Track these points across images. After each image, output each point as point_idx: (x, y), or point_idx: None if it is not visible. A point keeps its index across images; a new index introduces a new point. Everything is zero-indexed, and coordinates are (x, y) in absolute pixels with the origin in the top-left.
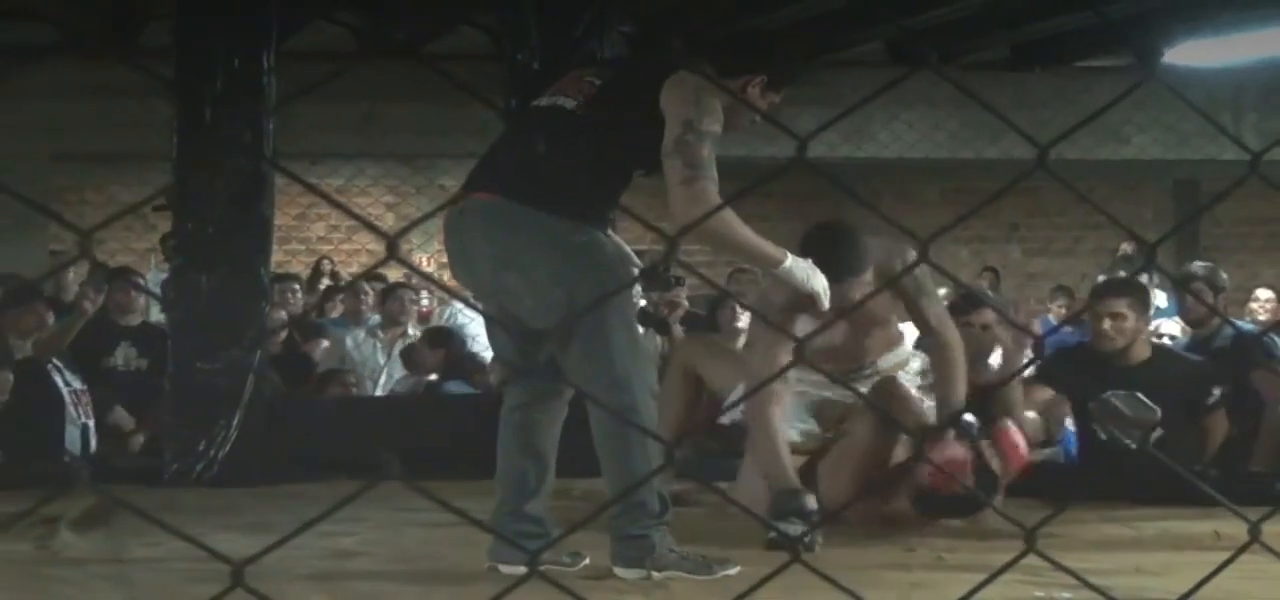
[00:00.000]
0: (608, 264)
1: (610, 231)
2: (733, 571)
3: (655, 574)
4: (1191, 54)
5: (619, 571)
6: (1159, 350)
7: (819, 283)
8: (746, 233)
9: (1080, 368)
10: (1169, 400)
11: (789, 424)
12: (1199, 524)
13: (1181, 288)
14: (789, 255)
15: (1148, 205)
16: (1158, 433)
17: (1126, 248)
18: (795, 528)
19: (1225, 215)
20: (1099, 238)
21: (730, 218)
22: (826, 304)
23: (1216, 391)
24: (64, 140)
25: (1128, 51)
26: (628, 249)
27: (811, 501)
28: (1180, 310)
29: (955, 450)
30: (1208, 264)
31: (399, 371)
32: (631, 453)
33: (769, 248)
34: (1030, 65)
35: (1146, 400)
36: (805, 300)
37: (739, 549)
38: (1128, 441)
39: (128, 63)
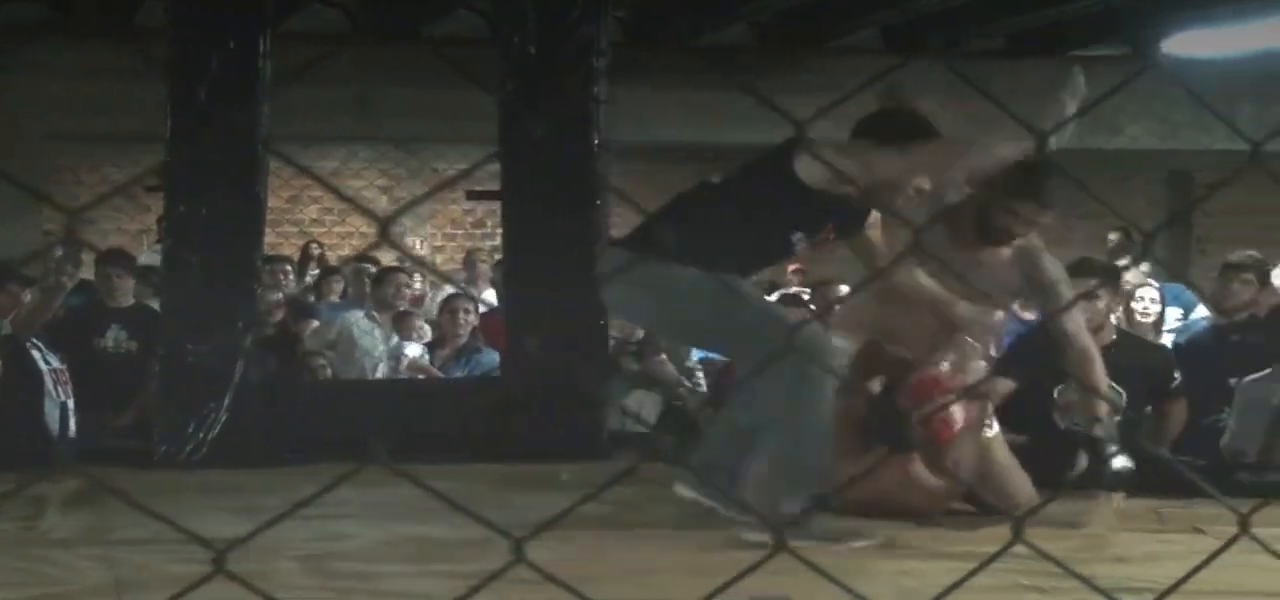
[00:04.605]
0: None
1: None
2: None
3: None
4: (1187, 45)
5: None
6: (1123, 336)
7: None
8: None
9: (1042, 354)
10: (1132, 386)
11: None
12: (1180, 512)
13: (1223, 276)
14: None
15: (1140, 196)
16: (1117, 419)
17: (1114, 237)
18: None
19: (1216, 206)
20: (1090, 228)
21: None
22: None
23: (1177, 377)
24: (58, 120)
25: (1123, 42)
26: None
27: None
28: (1217, 298)
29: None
30: (1253, 253)
31: (399, 355)
32: None
33: None
34: (1026, 55)
35: (1113, 384)
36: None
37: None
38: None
39: (123, 43)
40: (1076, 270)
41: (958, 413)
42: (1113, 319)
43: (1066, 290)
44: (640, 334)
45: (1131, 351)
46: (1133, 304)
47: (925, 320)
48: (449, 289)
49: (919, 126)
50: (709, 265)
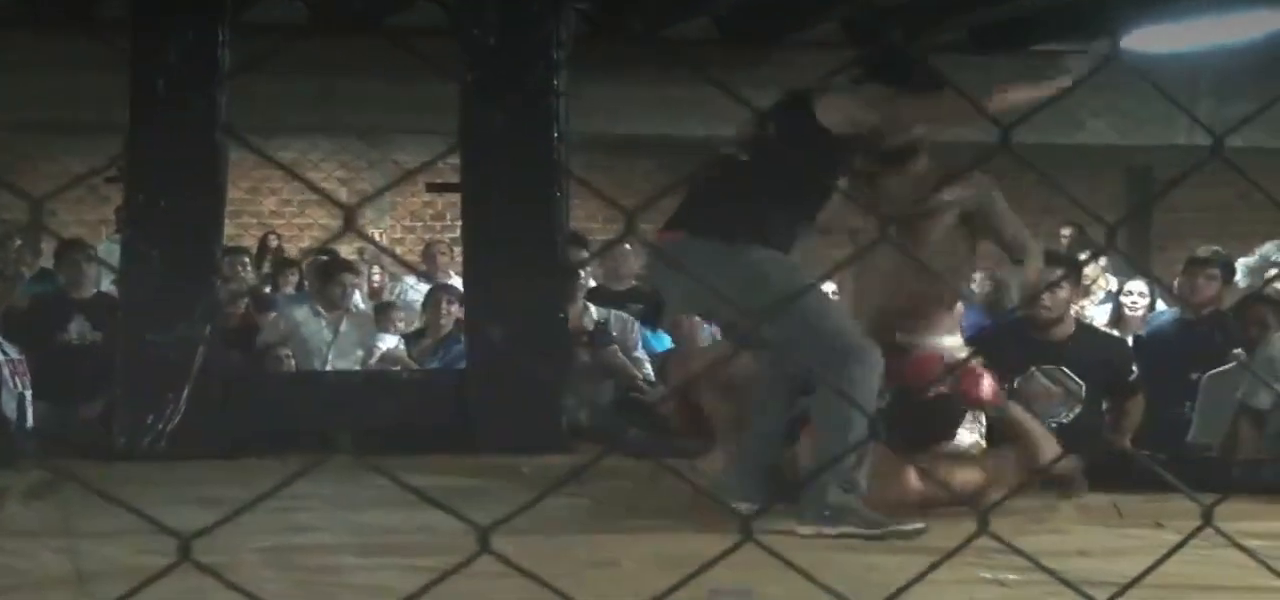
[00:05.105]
0: None
1: None
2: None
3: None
4: (1147, 40)
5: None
6: (1083, 328)
7: None
8: None
9: (1005, 342)
10: (1092, 377)
11: None
12: (1140, 506)
13: (1188, 271)
14: None
15: (1100, 191)
16: (1077, 410)
17: (1067, 231)
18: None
19: (1177, 201)
20: (1051, 223)
21: None
22: None
23: (1135, 371)
24: (17, 110)
25: (1085, 36)
26: None
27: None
28: (1183, 293)
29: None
30: (1218, 249)
31: (345, 347)
32: None
33: None
34: (989, 49)
35: (1073, 375)
36: None
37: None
38: (1051, 420)
39: (83, 33)
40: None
41: (986, 378)
42: (1073, 311)
43: (1016, 220)
44: (590, 325)
45: (1090, 344)
46: (1121, 298)
47: (922, 292)
48: (410, 280)
49: (927, 74)
50: (761, 234)
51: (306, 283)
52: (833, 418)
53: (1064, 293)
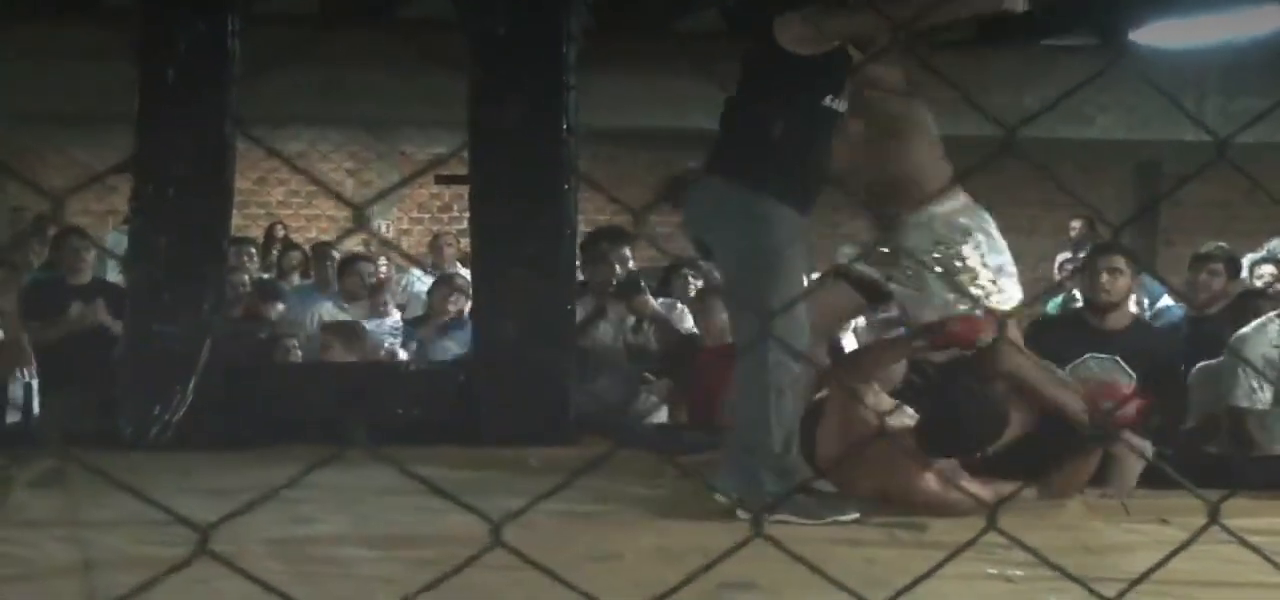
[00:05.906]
0: None
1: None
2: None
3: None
4: (1155, 35)
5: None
6: (1137, 320)
7: None
8: None
9: (1063, 331)
10: (1144, 371)
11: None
12: (1146, 502)
13: (1193, 267)
14: None
15: (1109, 186)
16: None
17: (1075, 225)
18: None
19: (1184, 197)
20: (1057, 218)
21: None
22: None
23: (1182, 367)
24: (24, 101)
25: (1092, 31)
26: None
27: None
28: (1188, 290)
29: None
30: (1222, 245)
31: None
32: None
33: None
34: (994, 42)
35: (1125, 365)
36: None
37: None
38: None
39: (88, 23)
40: (1103, 247)
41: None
42: (1132, 306)
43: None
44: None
45: (1145, 336)
46: None
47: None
48: (416, 272)
49: None
50: (759, 176)
51: (313, 272)
52: (757, 401)
53: (1124, 279)
